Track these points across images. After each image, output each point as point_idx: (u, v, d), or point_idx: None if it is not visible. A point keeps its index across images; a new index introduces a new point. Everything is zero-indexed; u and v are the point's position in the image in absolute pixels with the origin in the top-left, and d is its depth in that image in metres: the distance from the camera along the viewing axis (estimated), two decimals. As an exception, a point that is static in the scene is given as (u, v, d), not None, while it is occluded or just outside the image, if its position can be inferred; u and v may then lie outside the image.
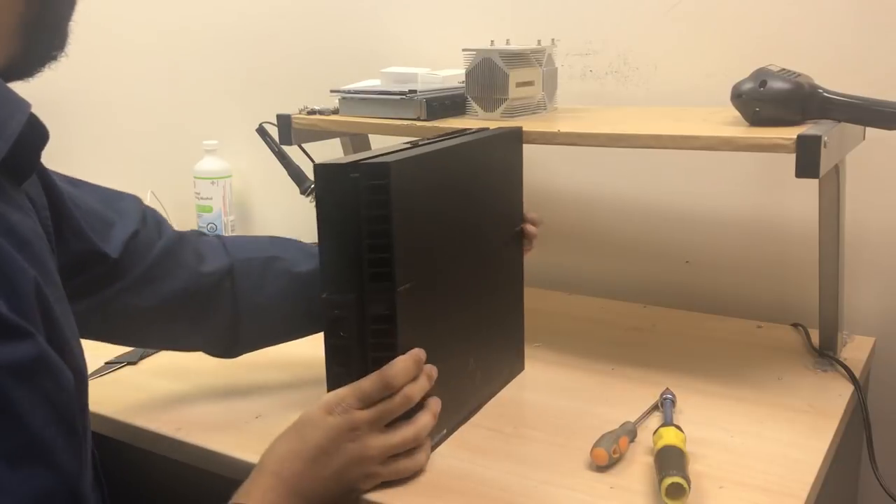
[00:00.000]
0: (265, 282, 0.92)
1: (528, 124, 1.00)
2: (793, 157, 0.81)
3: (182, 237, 0.91)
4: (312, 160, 1.19)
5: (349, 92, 1.14)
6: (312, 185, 1.24)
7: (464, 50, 1.06)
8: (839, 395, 0.93)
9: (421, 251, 0.79)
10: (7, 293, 0.52)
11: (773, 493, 0.74)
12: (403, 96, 1.07)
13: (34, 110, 0.60)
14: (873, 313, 1.12)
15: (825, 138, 0.81)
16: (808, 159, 0.81)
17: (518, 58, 1.05)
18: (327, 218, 0.76)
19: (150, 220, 0.89)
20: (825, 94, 0.89)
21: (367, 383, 0.75)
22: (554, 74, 1.14)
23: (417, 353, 0.77)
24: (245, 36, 1.57)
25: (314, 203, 0.94)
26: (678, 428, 0.80)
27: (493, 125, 0.99)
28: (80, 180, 0.84)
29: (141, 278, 0.86)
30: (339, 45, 1.47)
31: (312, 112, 1.17)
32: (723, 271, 1.23)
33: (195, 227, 1.59)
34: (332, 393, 0.75)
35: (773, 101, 0.89)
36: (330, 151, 1.27)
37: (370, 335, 0.76)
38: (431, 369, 0.79)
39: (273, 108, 1.20)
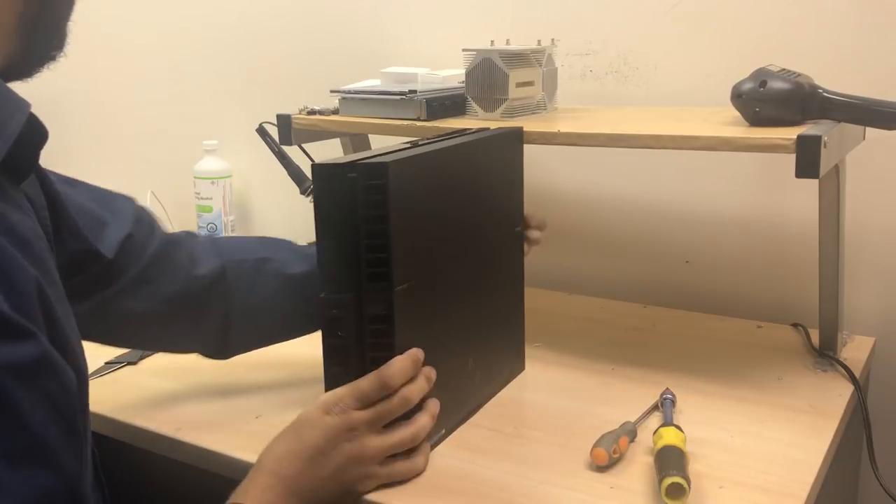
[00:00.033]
0: (257, 283, 0.92)
1: (528, 124, 1.00)
2: (793, 157, 0.81)
3: (175, 239, 0.92)
4: (312, 160, 1.19)
5: (349, 92, 1.14)
6: (312, 185, 1.24)
7: (464, 50, 1.06)
8: (839, 395, 0.93)
9: (420, 251, 0.79)
10: (9, 292, 0.52)
11: (773, 493, 0.74)
12: (403, 96, 1.07)
13: (34, 110, 0.60)
14: (873, 313, 1.12)
15: (825, 138, 0.81)
16: (808, 159, 0.81)
17: (518, 58, 1.05)
18: (325, 218, 0.76)
19: (144, 221, 0.89)
20: (825, 94, 0.89)
21: (365, 383, 0.75)
22: (554, 74, 1.14)
23: (415, 352, 0.77)
24: (245, 36, 1.57)
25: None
26: (678, 428, 0.80)
27: (493, 125, 0.99)
28: (76, 180, 0.84)
29: (136, 281, 0.86)
30: (339, 45, 1.47)
31: (312, 112, 1.17)
32: (723, 271, 1.23)
33: (195, 227, 1.59)
34: (330, 393, 0.75)
35: (773, 101, 0.89)
36: (330, 151, 1.27)
37: (368, 335, 0.76)
38: (430, 371, 0.79)
39: (273, 108, 1.20)
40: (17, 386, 0.52)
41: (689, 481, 0.71)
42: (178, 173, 1.64)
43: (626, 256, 1.29)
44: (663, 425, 0.81)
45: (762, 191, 1.17)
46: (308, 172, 1.26)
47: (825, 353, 1.02)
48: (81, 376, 0.61)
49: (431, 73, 1.15)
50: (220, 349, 0.94)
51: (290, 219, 1.54)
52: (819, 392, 0.94)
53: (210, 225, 1.58)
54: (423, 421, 0.78)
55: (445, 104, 1.08)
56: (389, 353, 0.76)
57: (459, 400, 0.88)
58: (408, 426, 0.77)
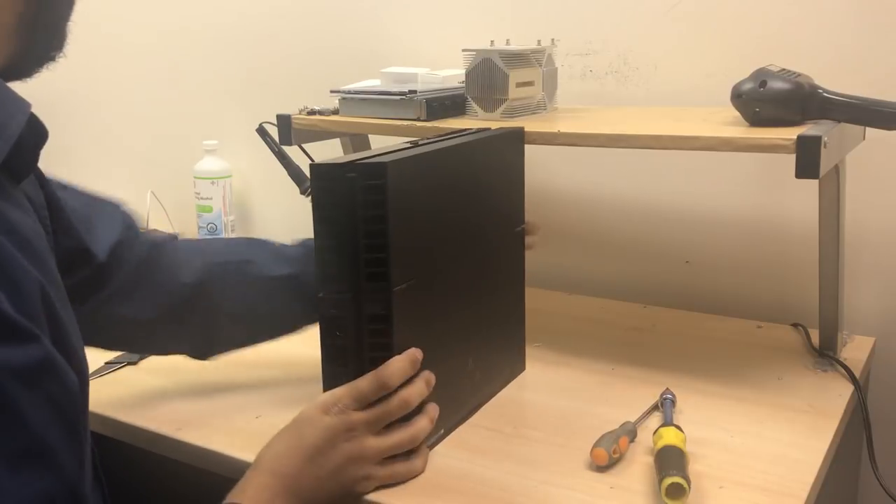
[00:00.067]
0: (238, 286, 0.93)
1: (529, 124, 1.00)
2: (793, 157, 0.81)
3: (159, 243, 0.93)
4: (312, 160, 1.19)
5: (349, 92, 1.14)
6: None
7: (464, 50, 1.06)
8: (839, 395, 0.93)
9: (419, 251, 0.79)
10: (12, 294, 0.52)
11: (773, 493, 0.74)
12: (403, 96, 1.07)
13: (34, 110, 0.60)
14: (873, 313, 1.12)
15: (825, 138, 0.81)
16: (808, 159, 0.81)
17: (518, 58, 1.05)
18: (324, 217, 0.76)
19: (132, 227, 0.90)
20: (825, 94, 0.89)
21: (364, 383, 0.75)
22: (554, 74, 1.14)
23: (414, 352, 0.77)
24: (245, 36, 1.57)
25: (314, 203, 0.94)
26: (678, 428, 0.80)
27: (493, 125, 0.99)
28: (66, 183, 0.85)
29: (125, 286, 0.87)
30: (339, 45, 1.47)
31: (312, 112, 1.17)
32: (723, 271, 1.23)
33: (195, 227, 1.59)
34: (329, 392, 0.76)
35: (773, 102, 0.89)
36: (330, 151, 1.27)
37: (366, 335, 0.76)
38: (430, 376, 0.79)
39: (273, 108, 1.20)
40: (19, 388, 0.52)
41: (689, 481, 0.71)
42: (178, 173, 1.64)
43: (626, 256, 1.29)
44: (663, 425, 0.81)
45: (762, 191, 1.17)
46: (308, 172, 1.26)
47: (825, 353, 1.02)
48: (83, 377, 0.61)
49: (431, 73, 1.15)
50: (206, 351, 0.95)
51: (290, 219, 1.54)
52: (819, 392, 0.94)
53: (210, 225, 1.58)
54: (422, 424, 0.78)
55: (445, 104, 1.08)
56: (388, 353, 0.76)
57: (459, 400, 0.88)
58: (406, 428, 0.77)
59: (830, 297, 1.01)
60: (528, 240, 0.99)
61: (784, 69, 0.92)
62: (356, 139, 1.30)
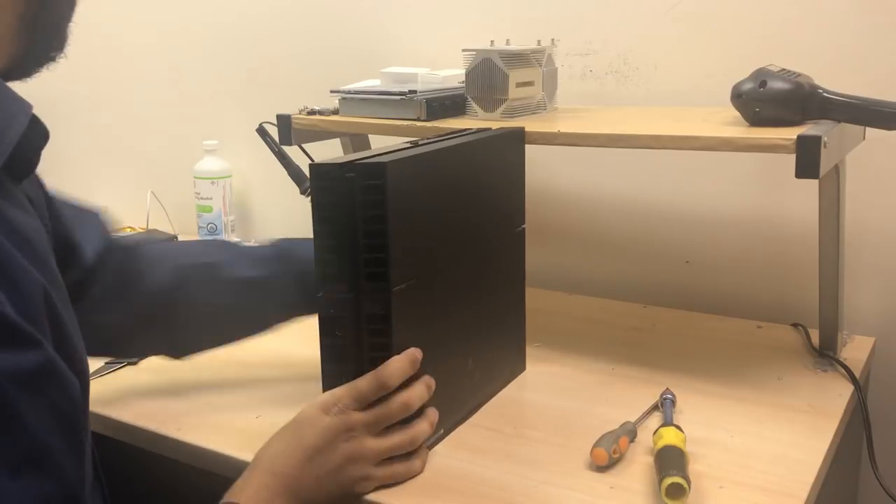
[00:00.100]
0: (208, 288, 0.93)
1: (529, 124, 1.00)
2: (793, 157, 0.81)
3: (131, 249, 0.93)
4: (312, 160, 1.19)
5: (349, 92, 1.14)
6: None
7: (464, 50, 1.06)
8: (839, 395, 0.93)
9: (419, 251, 0.79)
10: (14, 298, 0.52)
11: (773, 493, 0.74)
12: (403, 96, 1.07)
13: (34, 110, 0.60)
14: (873, 313, 1.12)
15: (825, 138, 0.81)
16: (808, 159, 0.81)
17: (518, 58, 1.05)
18: (324, 217, 0.76)
19: (110, 234, 0.91)
20: (825, 94, 0.89)
21: (363, 383, 0.75)
22: (554, 74, 1.14)
23: (413, 352, 0.77)
24: (245, 36, 1.57)
25: (314, 203, 0.94)
26: (678, 428, 0.80)
27: (493, 125, 0.99)
28: (53, 191, 0.85)
29: (104, 292, 0.88)
30: (339, 45, 1.47)
31: (312, 112, 1.17)
32: (723, 271, 1.23)
33: (196, 227, 1.59)
34: (329, 392, 0.76)
35: (773, 102, 0.89)
36: (330, 151, 1.27)
37: (366, 335, 0.76)
38: (430, 381, 0.79)
39: (273, 108, 1.20)
40: (20, 394, 0.52)
41: (689, 481, 0.71)
42: (178, 173, 1.64)
43: (626, 256, 1.29)
44: (663, 425, 0.81)
45: (762, 191, 1.17)
46: (308, 172, 1.26)
47: (825, 353, 1.02)
48: (84, 378, 0.61)
49: (431, 73, 1.15)
50: (181, 352, 0.96)
51: (290, 219, 1.54)
52: (819, 392, 0.94)
53: (210, 225, 1.58)
54: (422, 427, 0.78)
55: (445, 104, 1.08)
56: (387, 352, 0.76)
57: (459, 400, 0.88)
58: (406, 430, 0.77)
59: (830, 297, 1.01)
60: None
61: (784, 69, 0.92)
62: (356, 139, 1.30)
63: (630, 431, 0.83)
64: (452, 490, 0.76)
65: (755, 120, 0.91)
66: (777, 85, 0.89)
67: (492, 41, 1.08)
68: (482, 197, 0.90)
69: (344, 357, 0.77)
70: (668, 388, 0.91)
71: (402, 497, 0.75)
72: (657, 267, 1.27)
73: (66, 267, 0.82)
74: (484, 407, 0.92)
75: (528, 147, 0.97)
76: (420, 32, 1.38)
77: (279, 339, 0.97)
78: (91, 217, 0.90)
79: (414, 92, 1.07)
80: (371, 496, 0.75)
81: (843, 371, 0.98)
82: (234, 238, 1.58)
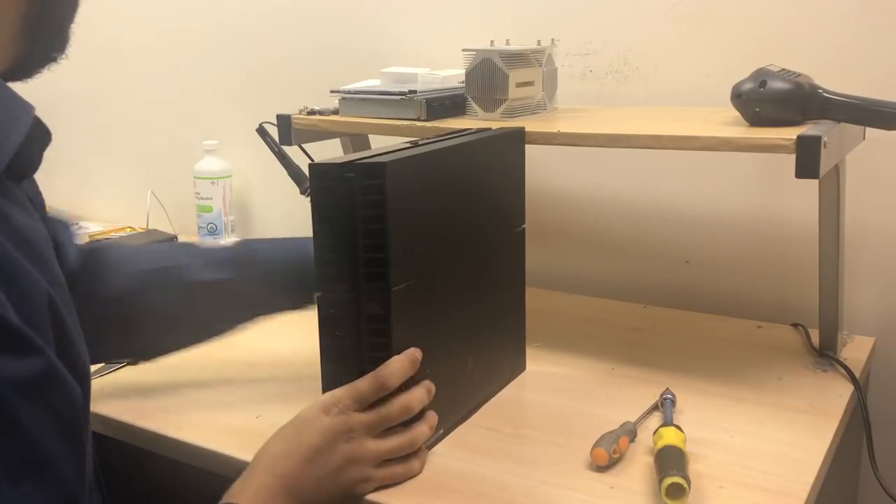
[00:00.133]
0: (168, 293, 0.93)
1: (529, 124, 1.00)
2: (793, 157, 0.81)
3: (94, 254, 0.93)
4: (312, 160, 1.19)
5: (349, 92, 1.14)
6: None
7: (464, 50, 1.06)
8: (839, 395, 0.93)
9: (418, 251, 0.79)
10: (18, 302, 0.52)
11: (773, 493, 0.74)
12: (403, 96, 1.07)
13: (35, 111, 0.60)
14: (873, 313, 1.12)
15: (825, 138, 0.81)
16: (808, 159, 0.81)
17: (518, 58, 1.05)
18: (323, 217, 0.76)
19: (79, 243, 0.92)
20: (825, 94, 0.89)
21: (363, 384, 0.75)
22: (554, 74, 1.14)
23: (413, 352, 0.77)
24: (245, 36, 1.58)
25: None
26: (678, 428, 0.80)
27: (493, 125, 0.99)
28: None
29: (78, 297, 0.87)
30: (339, 45, 1.47)
31: (312, 112, 1.17)
32: (723, 271, 1.23)
33: (196, 227, 1.59)
34: (329, 393, 0.76)
35: (773, 102, 0.89)
36: (330, 151, 1.27)
37: (366, 335, 0.76)
38: (430, 385, 0.79)
39: (273, 108, 1.20)
40: (21, 401, 0.52)
41: (689, 481, 0.71)
42: (178, 173, 1.64)
43: (626, 256, 1.29)
44: (663, 425, 0.81)
45: (762, 191, 1.17)
46: (307, 172, 1.26)
47: (825, 353, 1.02)
48: (85, 382, 0.61)
49: (431, 73, 1.15)
50: (142, 357, 0.97)
51: (290, 219, 1.54)
52: (819, 392, 0.94)
53: (210, 225, 1.58)
54: (421, 430, 0.78)
55: (445, 104, 1.08)
56: (387, 352, 0.76)
57: (458, 400, 0.88)
58: (406, 432, 0.77)
59: (830, 297, 1.01)
60: None
61: (784, 69, 0.92)
62: (356, 139, 1.30)
63: (630, 431, 0.83)
64: (452, 490, 0.76)
65: (755, 120, 0.91)
66: (777, 85, 0.89)
67: (492, 41, 1.08)
68: (482, 197, 0.90)
69: (344, 357, 0.77)
70: (668, 388, 0.91)
71: (402, 497, 0.76)
72: (657, 267, 1.27)
73: None
74: (484, 407, 0.92)
75: (528, 147, 0.97)
76: (420, 32, 1.38)
77: (279, 339, 0.97)
78: (63, 224, 0.89)
79: (414, 92, 1.07)
80: (371, 496, 0.75)
81: (843, 371, 0.98)
82: (233, 238, 1.58)
